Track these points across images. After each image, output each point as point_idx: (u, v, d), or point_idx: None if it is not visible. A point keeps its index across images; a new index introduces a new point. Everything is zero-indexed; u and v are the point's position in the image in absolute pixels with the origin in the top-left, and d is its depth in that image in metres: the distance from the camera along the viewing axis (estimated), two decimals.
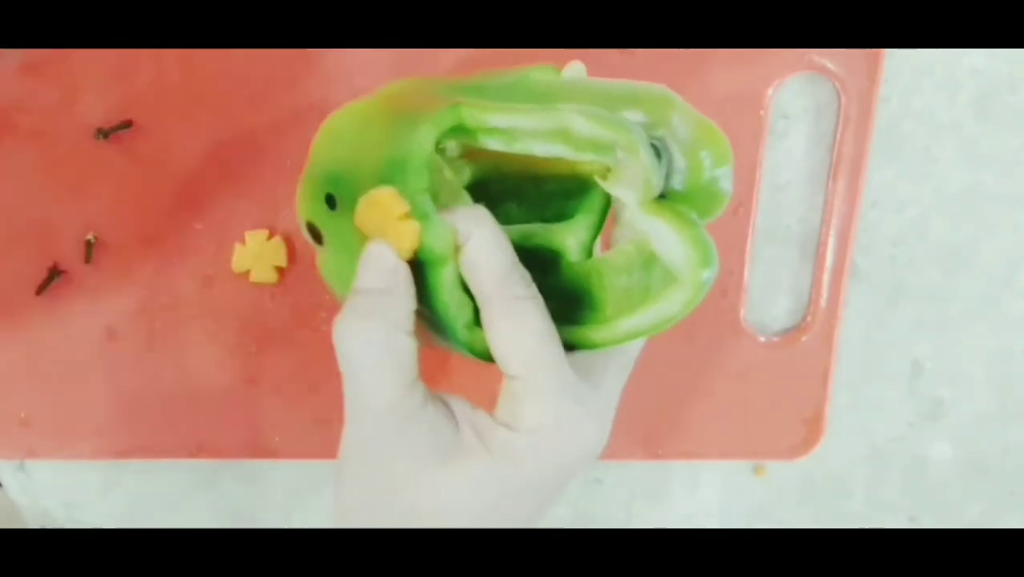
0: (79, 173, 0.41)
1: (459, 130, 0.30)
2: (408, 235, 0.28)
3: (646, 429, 0.45)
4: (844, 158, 0.41)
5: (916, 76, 0.42)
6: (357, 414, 0.29)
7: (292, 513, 0.48)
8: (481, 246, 0.29)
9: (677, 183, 0.29)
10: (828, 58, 0.40)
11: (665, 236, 0.28)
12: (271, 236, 0.41)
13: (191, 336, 0.43)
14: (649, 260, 0.30)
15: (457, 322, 0.30)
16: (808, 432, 0.45)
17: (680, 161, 0.29)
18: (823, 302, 0.43)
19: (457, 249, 0.29)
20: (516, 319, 0.28)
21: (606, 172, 0.30)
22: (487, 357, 0.30)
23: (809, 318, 0.44)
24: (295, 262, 0.42)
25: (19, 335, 0.43)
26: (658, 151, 0.28)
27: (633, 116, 0.28)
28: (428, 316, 0.30)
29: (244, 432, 0.44)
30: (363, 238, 0.29)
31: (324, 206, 0.31)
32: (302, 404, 0.44)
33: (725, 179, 0.29)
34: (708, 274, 0.27)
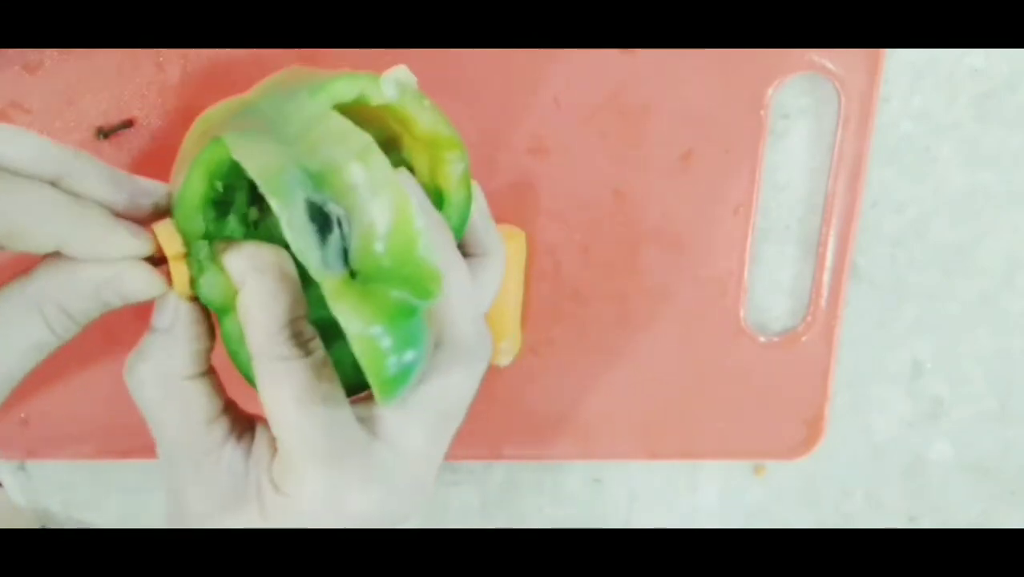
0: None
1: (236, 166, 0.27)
2: (179, 277, 0.28)
3: (646, 429, 0.45)
4: (844, 158, 0.41)
5: (916, 76, 0.42)
6: (157, 447, 0.30)
7: None
8: (252, 297, 0.27)
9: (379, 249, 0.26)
10: (828, 58, 0.40)
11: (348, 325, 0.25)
12: None
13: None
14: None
15: (249, 370, 0.28)
16: (808, 432, 0.45)
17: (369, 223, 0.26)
18: (823, 302, 0.43)
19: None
20: (276, 382, 0.27)
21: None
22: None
23: (809, 318, 0.44)
24: None
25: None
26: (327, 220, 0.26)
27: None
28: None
29: None
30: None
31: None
32: None
33: (461, 169, 0.29)
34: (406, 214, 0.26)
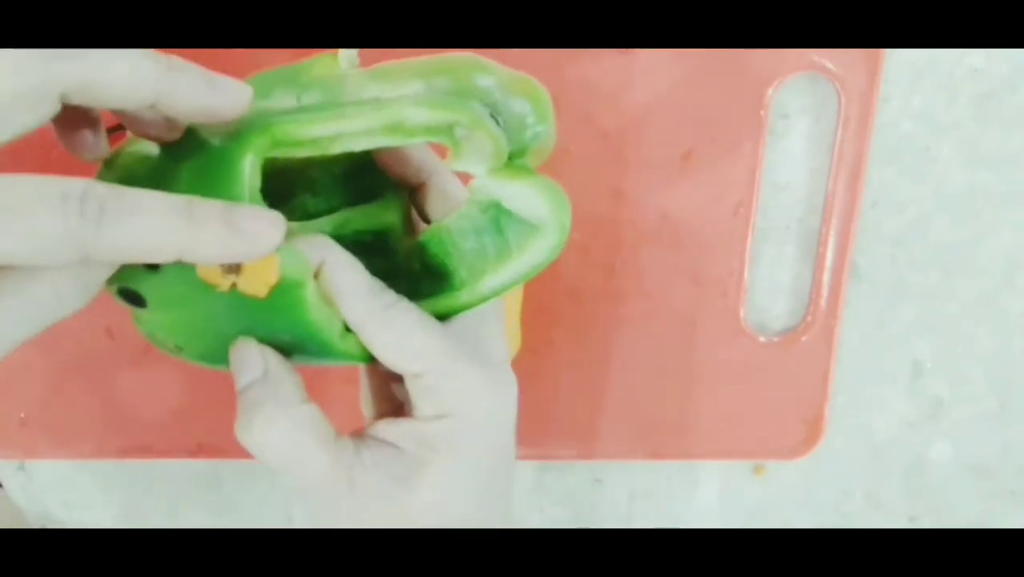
0: (79, 173, 0.41)
1: (272, 150, 0.28)
2: (268, 270, 0.27)
3: (646, 429, 0.45)
4: (844, 158, 0.41)
5: (916, 76, 0.42)
6: (305, 492, 0.30)
7: (292, 513, 0.48)
8: (337, 270, 0.29)
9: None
10: (828, 58, 0.40)
11: (520, 194, 0.29)
12: None
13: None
14: (497, 219, 0.30)
15: (331, 336, 0.29)
16: (808, 432, 0.45)
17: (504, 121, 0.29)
18: (823, 302, 0.43)
19: (314, 274, 0.28)
20: (396, 326, 0.29)
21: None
22: (366, 359, 0.30)
23: (809, 318, 0.44)
24: None
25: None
26: (495, 118, 0.29)
27: (413, 87, 0.29)
28: (294, 346, 0.30)
29: None
30: (192, 288, 0.28)
31: (140, 268, 0.28)
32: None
33: (549, 133, 0.30)
34: (568, 217, 0.29)
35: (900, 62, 0.41)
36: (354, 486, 0.29)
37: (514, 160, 0.29)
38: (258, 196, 0.27)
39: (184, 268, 0.27)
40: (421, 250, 0.32)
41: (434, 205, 0.33)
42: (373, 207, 0.33)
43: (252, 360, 0.29)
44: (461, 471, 0.30)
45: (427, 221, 0.33)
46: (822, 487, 0.48)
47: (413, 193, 0.33)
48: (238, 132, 0.28)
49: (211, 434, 0.44)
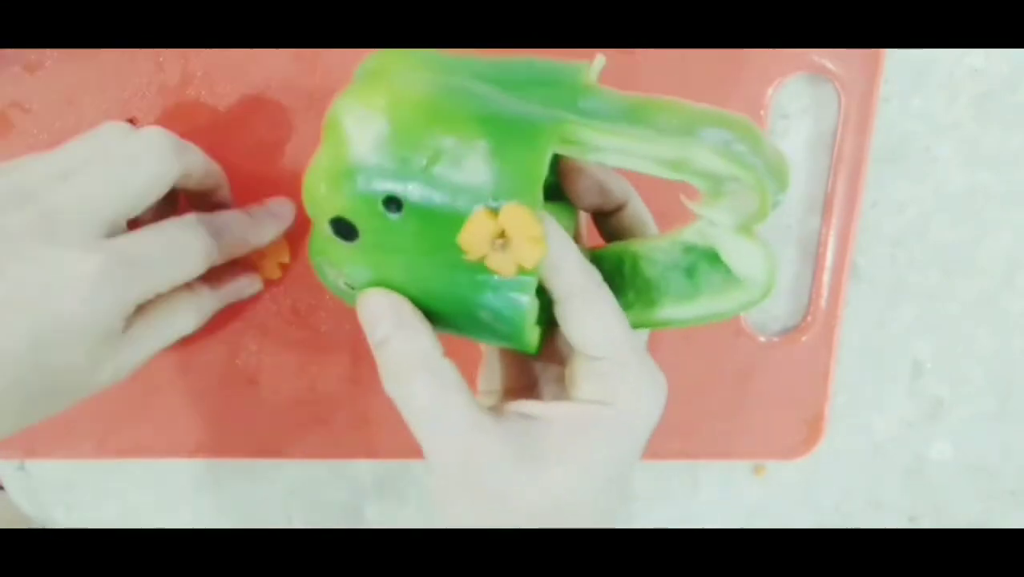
0: None
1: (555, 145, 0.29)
2: (532, 253, 0.28)
3: None
4: (844, 158, 0.41)
5: (916, 76, 0.42)
6: (437, 447, 0.30)
7: (293, 513, 0.48)
8: (559, 246, 0.29)
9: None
10: (828, 58, 0.40)
11: (744, 252, 0.30)
12: None
13: (191, 336, 0.43)
14: (695, 263, 0.32)
15: (528, 323, 0.30)
16: (808, 432, 0.45)
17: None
18: (823, 302, 0.43)
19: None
20: (599, 307, 0.30)
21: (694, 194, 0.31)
22: (537, 350, 0.32)
23: (809, 318, 0.44)
24: (296, 259, 0.42)
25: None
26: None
27: (716, 136, 0.29)
28: (482, 325, 0.31)
29: (244, 432, 0.44)
30: (424, 241, 0.29)
31: (378, 207, 0.29)
32: (302, 404, 0.44)
33: (782, 200, 0.31)
34: (775, 284, 0.30)
35: (900, 62, 0.41)
36: (492, 452, 0.29)
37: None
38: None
39: (433, 218, 0.28)
40: (594, 262, 0.32)
41: (624, 226, 0.34)
42: (549, 207, 0.33)
43: (386, 310, 0.30)
44: (603, 457, 0.30)
45: (606, 236, 0.34)
46: (822, 487, 0.48)
47: (601, 214, 0.34)
48: (530, 120, 0.29)
49: (211, 434, 0.44)
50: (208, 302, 0.37)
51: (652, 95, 0.30)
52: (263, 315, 0.43)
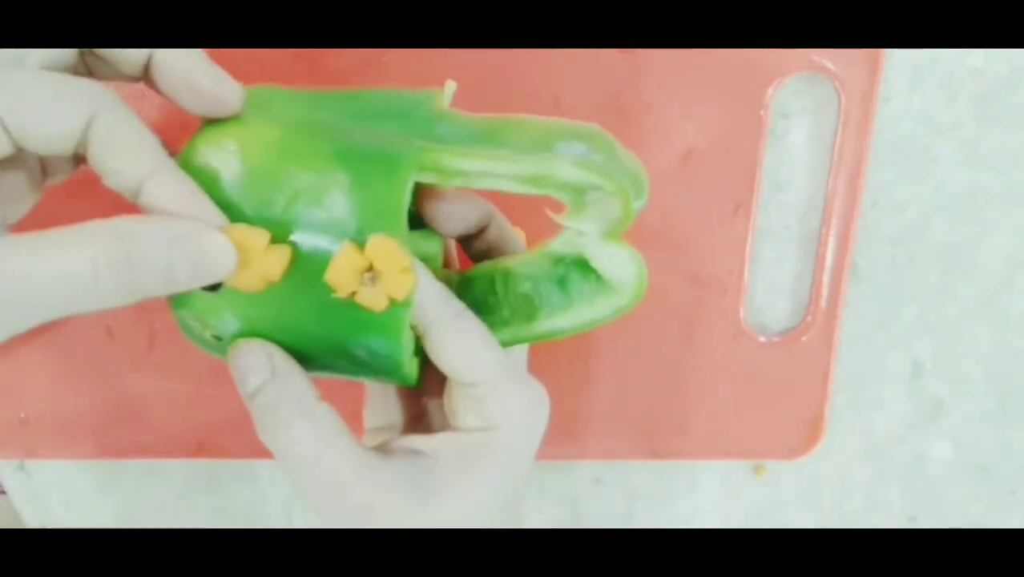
0: (79, 173, 0.41)
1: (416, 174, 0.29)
2: (403, 287, 0.28)
3: (646, 429, 0.45)
4: (844, 158, 0.41)
5: (916, 76, 0.42)
6: (320, 497, 0.29)
7: (292, 513, 0.48)
8: (421, 277, 0.29)
9: None
10: (828, 58, 0.40)
11: (611, 257, 0.31)
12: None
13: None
14: (565, 274, 0.32)
15: (405, 358, 0.30)
16: (808, 432, 0.45)
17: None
18: (823, 302, 0.43)
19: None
20: (462, 335, 0.30)
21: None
22: (417, 383, 0.31)
23: (809, 318, 0.44)
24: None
25: (19, 335, 0.43)
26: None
27: (573, 149, 0.30)
28: (359, 363, 0.30)
29: (244, 432, 0.44)
30: (293, 285, 0.28)
31: None
32: None
33: (641, 206, 0.31)
34: (645, 287, 0.31)
35: (900, 62, 0.41)
36: (381, 493, 0.29)
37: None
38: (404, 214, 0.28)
39: (299, 259, 0.28)
40: (466, 284, 0.33)
41: (490, 246, 0.34)
42: (414, 235, 0.33)
43: (258, 361, 0.29)
44: (493, 484, 0.30)
45: (473, 257, 0.34)
46: (822, 487, 0.48)
47: (465, 237, 0.34)
48: (388, 151, 0.29)
49: (211, 434, 0.44)
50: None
51: (505, 115, 0.31)
52: None
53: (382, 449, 0.30)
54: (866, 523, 0.49)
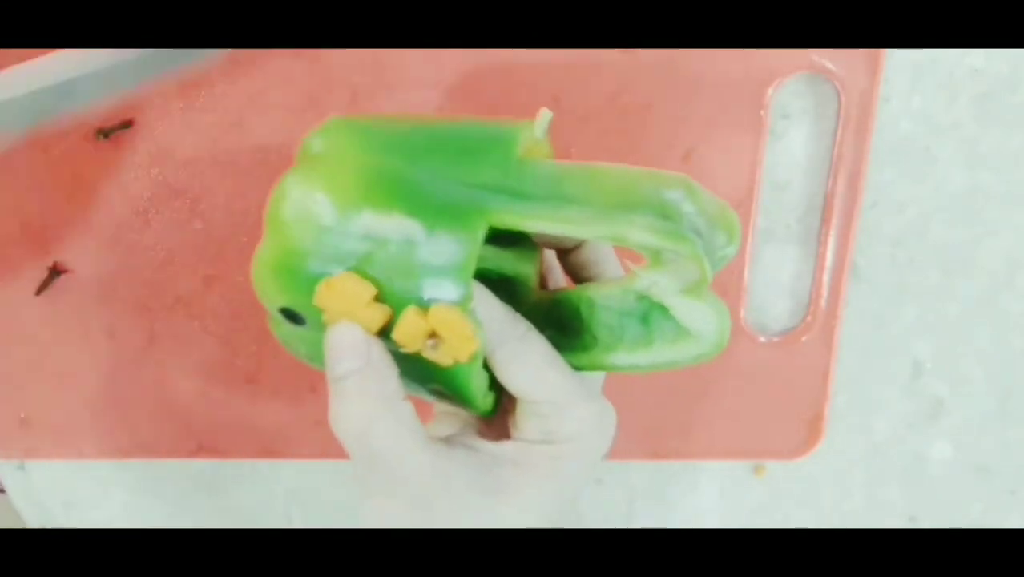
0: (79, 173, 0.41)
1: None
2: (463, 350, 0.29)
3: (646, 429, 0.45)
4: (844, 158, 0.41)
5: (916, 76, 0.42)
6: (389, 491, 0.30)
7: (292, 513, 0.48)
8: (482, 303, 0.30)
9: None
10: (828, 58, 0.40)
11: (691, 312, 0.31)
12: None
13: (191, 336, 0.43)
14: (648, 311, 0.32)
15: (478, 395, 0.31)
16: (808, 432, 0.45)
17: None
18: (823, 302, 0.43)
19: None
20: (527, 356, 0.30)
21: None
22: (490, 413, 0.32)
23: (809, 318, 0.44)
24: None
25: (19, 335, 0.43)
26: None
27: (659, 195, 0.29)
28: (438, 394, 0.31)
29: (244, 432, 0.44)
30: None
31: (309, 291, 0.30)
32: (302, 404, 0.44)
33: (732, 252, 0.31)
34: (727, 339, 0.31)
35: (900, 62, 0.41)
36: (446, 490, 0.29)
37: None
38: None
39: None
40: (554, 305, 0.33)
41: (585, 262, 0.34)
42: (510, 252, 0.34)
43: (356, 347, 0.29)
44: (551, 494, 0.31)
45: (569, 272, 0.34)
46: (822, 487, 0.48)
47: (562, 250, 0.34)
48: (456, 204, 0.29)
49: (211, 434, 0.44)
50: None
51: (586, 164, 0.30)
52: (263, 315, 0.43)
53: (450, 443, 0.31)
54: (866, 523, 0.49)
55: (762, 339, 0.44)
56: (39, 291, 0.42)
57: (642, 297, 0.32)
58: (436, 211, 0.29)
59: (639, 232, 0.29)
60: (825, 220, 0.42)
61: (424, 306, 0.28)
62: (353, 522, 0.46)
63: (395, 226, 0.29)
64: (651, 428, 0.45)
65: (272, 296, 0.30)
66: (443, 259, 0.28)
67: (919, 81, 0.42)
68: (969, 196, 0.43)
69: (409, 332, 0.29)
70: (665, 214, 0.29)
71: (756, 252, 0.43)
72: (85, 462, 0.46)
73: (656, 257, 0.30)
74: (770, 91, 0.40)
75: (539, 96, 0.40)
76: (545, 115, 0.31)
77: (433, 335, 0.29)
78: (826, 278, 0.43)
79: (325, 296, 0.29)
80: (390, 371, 0.29)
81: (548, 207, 0.29)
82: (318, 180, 0.30)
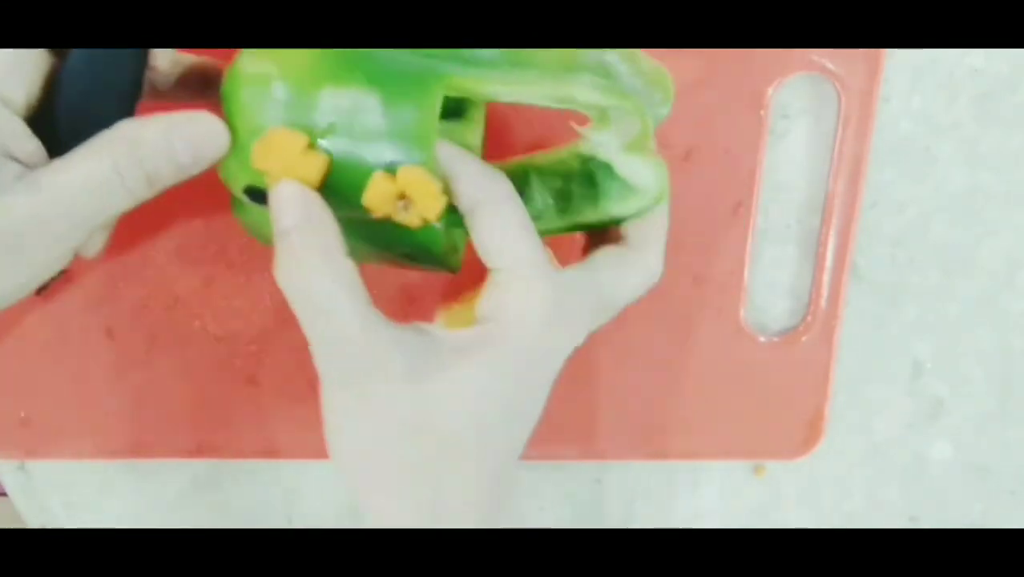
0: None
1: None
2: (436, 209, 0.30)
3: (646, 429, 0.45)
4: (844, 158, 0.41)
5: (916, 76, 0.42)
6: (325, 348, 0.29)
7: (292, 513, 0.48)
8: (458, 161, 0.30)
9: None
10: (828, 58, 0.40)
11: (635, 167, 0.33)
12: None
13: (191, 336, 0.43)
14: (593, 171, 0.34)
15: (446, 252, 0.32)
16: (808, 432, 0.45)
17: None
18: (823, 302, 0.43)
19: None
20: (502, 218, 0.30)
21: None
22: (457, 269, 0.33)
23: (809, 318, 0.44)
24: None
25: (19, 335, 0.43)
26: None
27: (598, 57, 0.32)
28: (405, 255, 0.32)
29: (244, 432, 0.44)
30: (335, 200, 0.30)
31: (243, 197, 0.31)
32: (302, 404, 0.44)
33: (666, 112, 0.33)
34: (667, 192, 0.33)
35: (900, 62, 0.41)
36: (378, 356, 0.29)
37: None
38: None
39: (339, 175, 0.30)
40: (510, 175, 0.34)
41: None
42: (456, 124, 0.35)
43: (295, 202, 0.29)
44: (487, 375, 0.30)
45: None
46: (822, 487, 0.48)
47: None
48: (418, 73, 0.30)
49: (211, 434, 0.44)
50: None
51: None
52: (263, 315, 0.43)
53: (403, 323, 0.30)
54: (866, 523, 0.49)
55: (762, 339, 0.44)
56: (39, 291, 0.42)
57: (586, 160, 0.34)
58: (394, 80, 0.30)
59: (587, 91, 0.31)
60: (825, 220, 0.42)
61: (391, 171, 0.29)
62: (353, 522, 0.46)
63: (355, 98, 0.29)
64: (651, 428, 0.45)
65: (235, 176, 0.31)
66: (405, 125, 0.29)
67: (919, 81, 0.42)
68: (969, 196, 0.43)
69: (379, 196, 0.29)
70: (606, 75, 0.32)
71: (756, 252, 0.43)
72: (85, 462, 0.46)
73: (602, 116, 0.32)
74: (770, 91, 0.40)
75: None
76: None
77: (402, 196, 0.30)
78: (826, 278, 0.43)
79: (261, 155, 0.29)
80: (329, 227, 0.29)
81: (500, 72, 0.31)
82: (273, 59, 0.30)
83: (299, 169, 0.29)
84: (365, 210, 0.30)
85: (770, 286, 0.44)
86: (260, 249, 0.39)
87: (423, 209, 0.30)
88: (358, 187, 0.30)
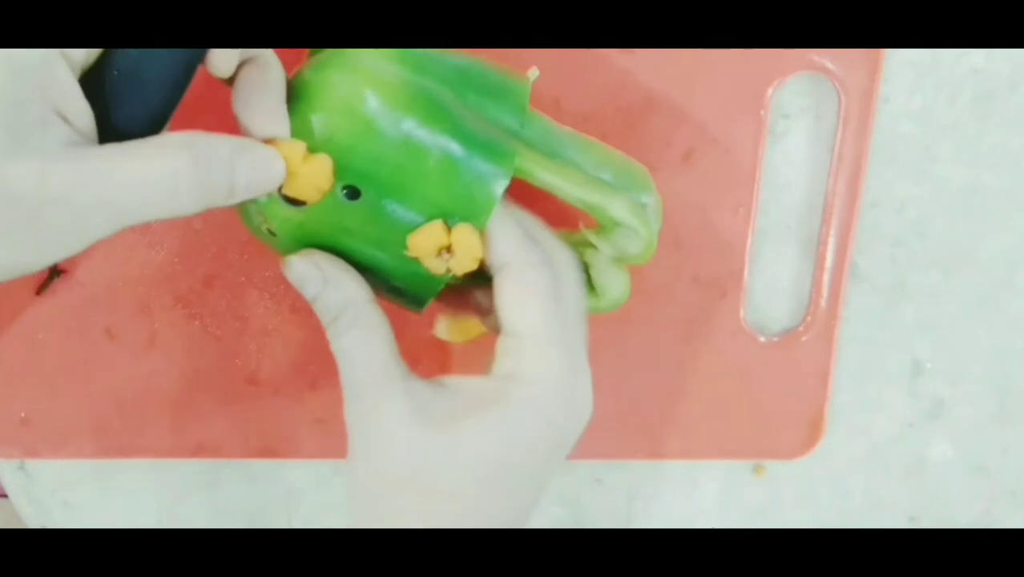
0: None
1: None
2: (470, 268, 0.31)
3: (646, 429, 0.45)
4: (844, 158, 0.41)
5: (916, 76, 0.42)
6: (352, 394, 0.31)
7: (292, 513, 0.48)
8: (502, 221, 0.31)
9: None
10: (828, 58, 0.40)
11: (612, 278, 0.35)
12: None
13: (191, 336, 0.43)
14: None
15: (430, 300, 0.33)
16: (808, 432, 0.45)
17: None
18: (823, 302, 0.43)
19: None
20: (529, 286, 0.31)
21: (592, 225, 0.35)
22: (420, 312, 0.34)
23: (809, 318, 0.44)
24: None
25: (19, 335, 0.43)
26: None
27: (617, 179, 0.34)
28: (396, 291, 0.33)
29: (244, 432, 0.44)
30: (368, 230, 0.31)
31: (337, 193, 0.31)
32: (302, 404, 0.44)
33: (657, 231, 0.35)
34: (618, 307, 0.36)
35: (900, 62, 0.41)
36: (391, 406, 0.30)
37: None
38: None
39: (385, 215, 0.31)
40: None
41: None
42: None
43: (309, 272, 0.30)
44: (497, 435, 0.30)
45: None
46: (822, 487, 0.48)
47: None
48: (496, 145, 0.31)
49: (211, 434, 0.44)
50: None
51: (570, 130, 0.35)
52: (263, 315, 0.43)
53: (426, 378, 0.31)
54: (866, 523, 0.49)
55: (762, 339, 0.44)
56: (39, 291, 0.42)
57: (574, 244, 0.35)
58: (477, 141, 0.31)
59: (620, 208, 0.33)
60: (825, 220, 0.42)
61: (449, 223, 0.30)
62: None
63: (439, 141, 0.30)
64: (651, 428, 0.45)
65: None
66: (476, 184, 0.30)
67: (919, 81, 0.42)
68: (969, 195, 0.43)
69: (428, 242, 0.30)
70: (637, 197, 0.34)
71: (756, 252, 0.43)
72: (85, 462, 0.46)
73: (610, 226, 0.34)
74: (770, 91, 0.40)
75: (539, 95, 0.40)
76: (534, 72, 0.34)
77: (448, 249, 0.31)
78: (826, 278, 0.43)
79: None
80: (348, 280, 0.31)
81: (558, 165, 0.33)
82: (363, 77, 0.31)
83: (306, 175, 0.30)
84: (398, 244, 0.31)
85: (770, 286, 0.44)
86: (260, 249, 0.39)
87: (458, 265, 0.31)
88: (406, 225, 0.30)
